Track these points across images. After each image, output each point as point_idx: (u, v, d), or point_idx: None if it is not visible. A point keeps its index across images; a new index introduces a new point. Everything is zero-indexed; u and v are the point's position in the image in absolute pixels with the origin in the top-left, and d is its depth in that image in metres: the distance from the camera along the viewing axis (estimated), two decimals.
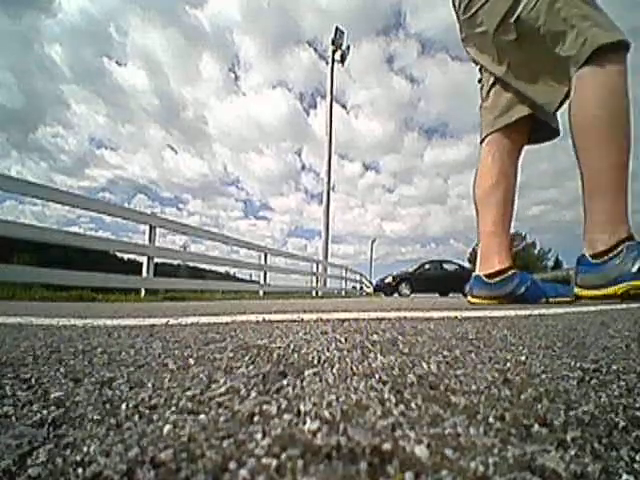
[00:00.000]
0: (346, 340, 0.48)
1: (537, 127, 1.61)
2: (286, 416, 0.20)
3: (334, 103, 12.20)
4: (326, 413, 0.21)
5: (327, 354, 0.38)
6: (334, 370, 0.31)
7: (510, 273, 1.50)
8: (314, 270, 9.22)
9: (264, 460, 0.15)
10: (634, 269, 1.05)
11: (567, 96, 1.33)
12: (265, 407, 0.22)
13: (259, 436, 0.18)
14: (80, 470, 0.15)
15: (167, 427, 0.19)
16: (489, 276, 1.53)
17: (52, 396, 0.26)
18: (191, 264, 7.02)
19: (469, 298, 1.61)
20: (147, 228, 4.40)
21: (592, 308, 1.19)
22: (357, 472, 0.15)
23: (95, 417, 0.21)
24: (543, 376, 0.29)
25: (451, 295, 10.14)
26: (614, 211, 1.13)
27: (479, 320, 0.75)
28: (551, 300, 1.41)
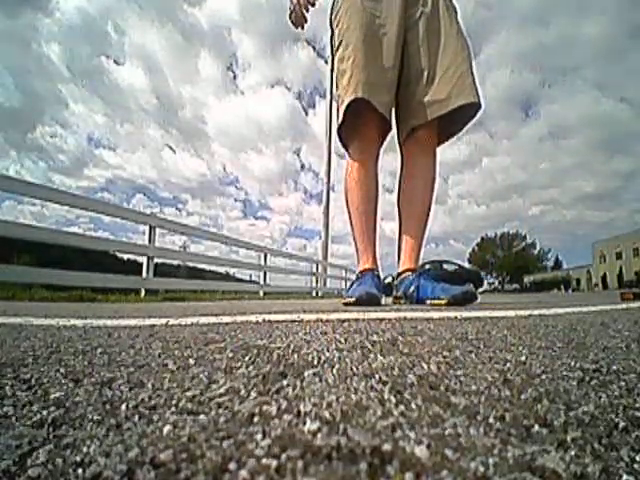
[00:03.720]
0: (346, 340, 0.48)
1: None
2: (286, 416, 0.20)
3: (334, 102, 12.14)
4: (326, 414, 0.21)
5: (327, 354, 0.38)
6: (334, 370, 0.31)
7: (404, 276, 1.66)
8: (314, 270, 9.21)
9: (264, 461, 0.15)
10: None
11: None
12: (265, 407, 0.22)
13: (259, 437, 0.18)
14: (80, 470, 0.15)
15: (167, 427, 0.19)
16: (397, 277, 1.75)
17: (52, 396, 0.26)
18: (191, 264, 7.02)
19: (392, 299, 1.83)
20: (147, 228, 4.40)
21: (592, 308, 1.20)
22: (357, 472, 0.15)
23: (95, 417, 0.21)
24: (543, 376, 0.29)
25: None
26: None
27: (479, 320, 0.75)
28: (428, 302, 1.49)
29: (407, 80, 1.66)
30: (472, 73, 1.58)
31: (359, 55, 1.57)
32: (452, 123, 1.67)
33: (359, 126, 1.68)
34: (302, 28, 1.77)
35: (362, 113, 1.60)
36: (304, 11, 1.70)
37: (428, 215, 1.73)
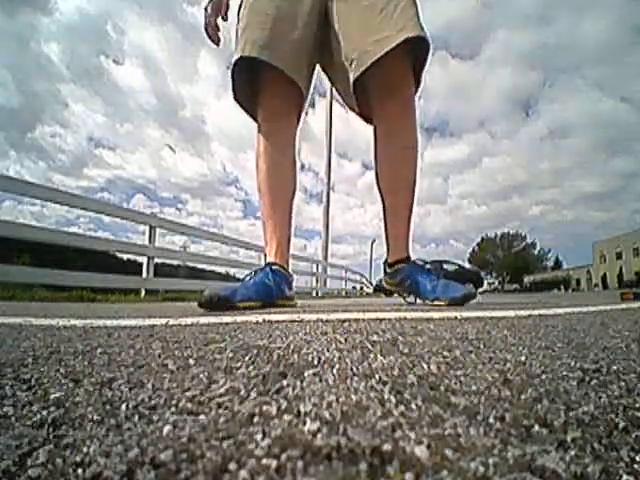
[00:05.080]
0: (346, 340, 0.48)
1: None
2: (286, 417, 0.20)
3: (333, 102, 12.14)
4: (326, 414, 0.21)
5: (327, 354, 0.38)
6: (334, 371, 0.31)
7: (398, 267, 1.53)
8: (314, 270, 9.21)
9: (264, 461, 0.15)
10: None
11: None
12: (265, 408, 0.22)
13: (259, 437, 0.18)
14: (80, 471, 0.15)
15: (167, 428, 0.19)
16: (390, 264, 1.58)
17: (52, 397, 0.26)
18: (191, 264, 7.02)
19: (383, 282, 1.71)
20: (147, 228, 4.41)
21: (592, 308, 1.20)
22: (357, 473, 0.15)
23: (95, 418, 0.21)
24: (543, 376, 0.29)
25: None
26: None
27: (479, 320, 0.75)
28: (427, 302, 1.43)
29: (339, 37, 1.38)
30: (416, 7, 1.31)
31: (251, 16, 1.38)
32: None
33: (260, 94, 1.43)
34: (217, 44, 1.58)
35: (260, 78, 1.38)
36: (215, 27, 1.54)
37: (413, 191, 1.50)
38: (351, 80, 1.35)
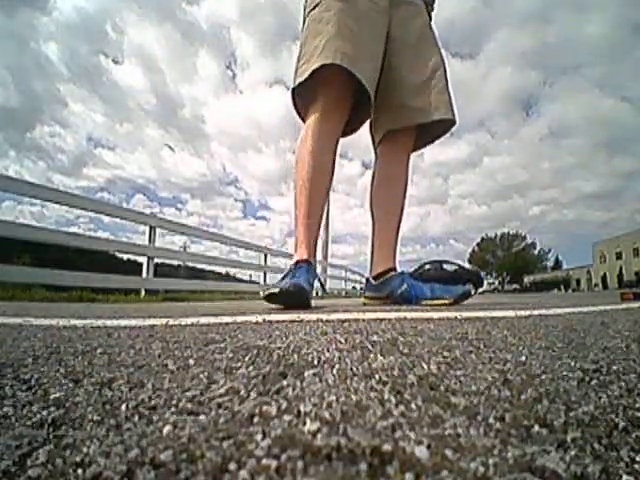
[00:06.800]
0: (346, 340, 0.48)
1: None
2: (286, 417, 0.20)
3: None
4: (326, 414, 0.21)
5: (327, 355, 0.38)
6: (334, 371, 0.31)
7: (389, 275, 1.63)
8: None
9: (264, 461, 0.15)
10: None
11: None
12: (265, 408, 0.22)
13: (259, 437, 0.18)
14: (80, 471, 0.15)
15: (167, 428, 0.19)
16: (375, 278, 1.70)
17: (52, 397, 0.26)
18: (191, 264, 7.02)
19: (362, 299, 1.82)
20: (147, 229, 4.41)
21: (592, 309, 1.20)
22: (357, 473, 0.15)
23: (95, 418, 0.21)
24: (543, 377, 0.29)
25: None
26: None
27: (479, 321, 0.75)
28: (429, 302, 1.46)
29: (387, 79, 1.57)
30: (448, 89, 1.60)
31: (341, 22, 1.40)
32: (426, 133, 1.69)
33: (320, 92, 1.46)
34: None
35: (335, 82, 1.42)
36: None
37: (402, 215, 1.74)
38: (394, 126, 1.64)
